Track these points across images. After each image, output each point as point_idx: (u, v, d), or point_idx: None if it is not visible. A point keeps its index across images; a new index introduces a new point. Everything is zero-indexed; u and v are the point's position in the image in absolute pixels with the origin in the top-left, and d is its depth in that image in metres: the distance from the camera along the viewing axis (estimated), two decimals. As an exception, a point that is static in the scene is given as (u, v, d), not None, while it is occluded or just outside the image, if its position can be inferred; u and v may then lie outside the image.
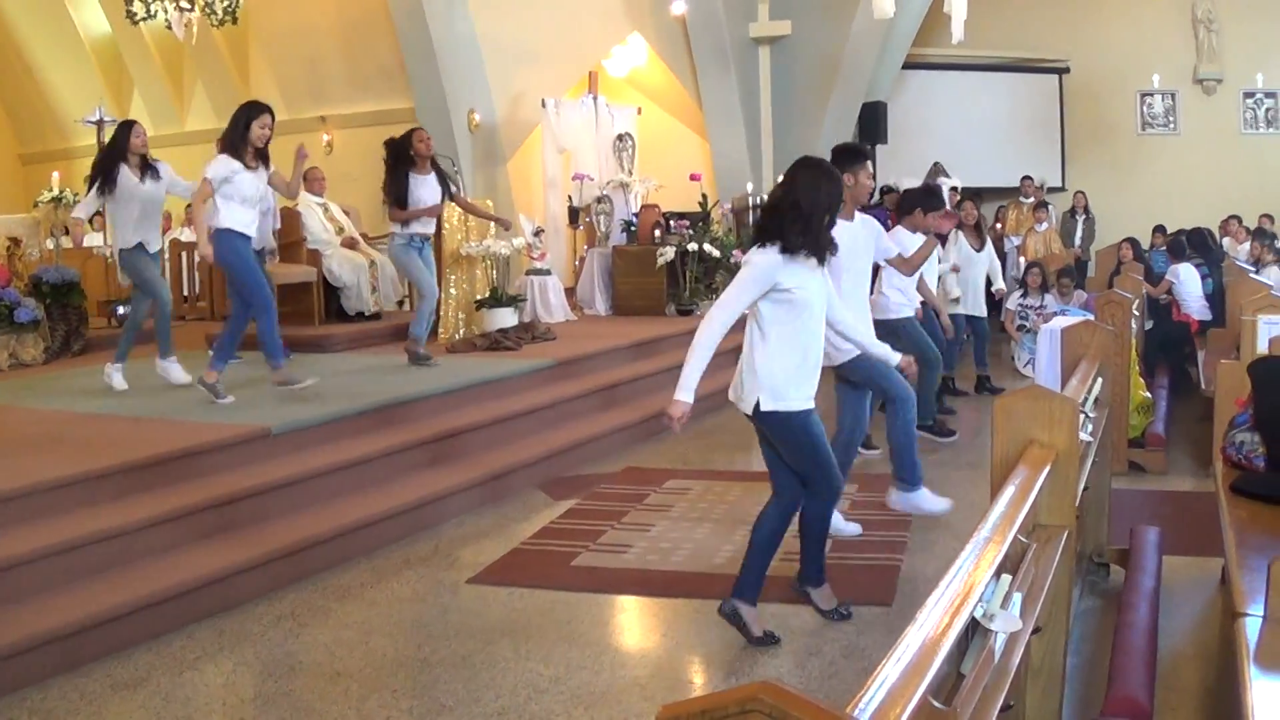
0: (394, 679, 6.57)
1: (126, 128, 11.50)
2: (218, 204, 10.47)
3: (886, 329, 10.67)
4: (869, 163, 9.31)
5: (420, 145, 12.85)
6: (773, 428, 6.98)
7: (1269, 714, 3.97)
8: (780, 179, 7.19)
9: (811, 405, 6.97)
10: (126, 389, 11.48)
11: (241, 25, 20.39)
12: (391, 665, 6.78)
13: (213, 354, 10.76)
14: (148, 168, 11.46)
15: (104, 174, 11.24)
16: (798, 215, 6.72)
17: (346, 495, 9.35)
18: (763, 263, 6.73)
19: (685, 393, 6.72)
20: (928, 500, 9.26)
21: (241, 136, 10.60)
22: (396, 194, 12.71)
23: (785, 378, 6.83)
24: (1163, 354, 15.29)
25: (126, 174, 11.25)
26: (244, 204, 10.60)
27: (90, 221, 20.67)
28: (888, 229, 12.74)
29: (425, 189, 12.83)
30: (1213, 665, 6.50)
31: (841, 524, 9.12)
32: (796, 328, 6.83)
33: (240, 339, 11.11)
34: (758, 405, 6.86)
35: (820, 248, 6.82)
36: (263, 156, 10.86)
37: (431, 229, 13.16)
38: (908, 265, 10.62)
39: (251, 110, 10.76)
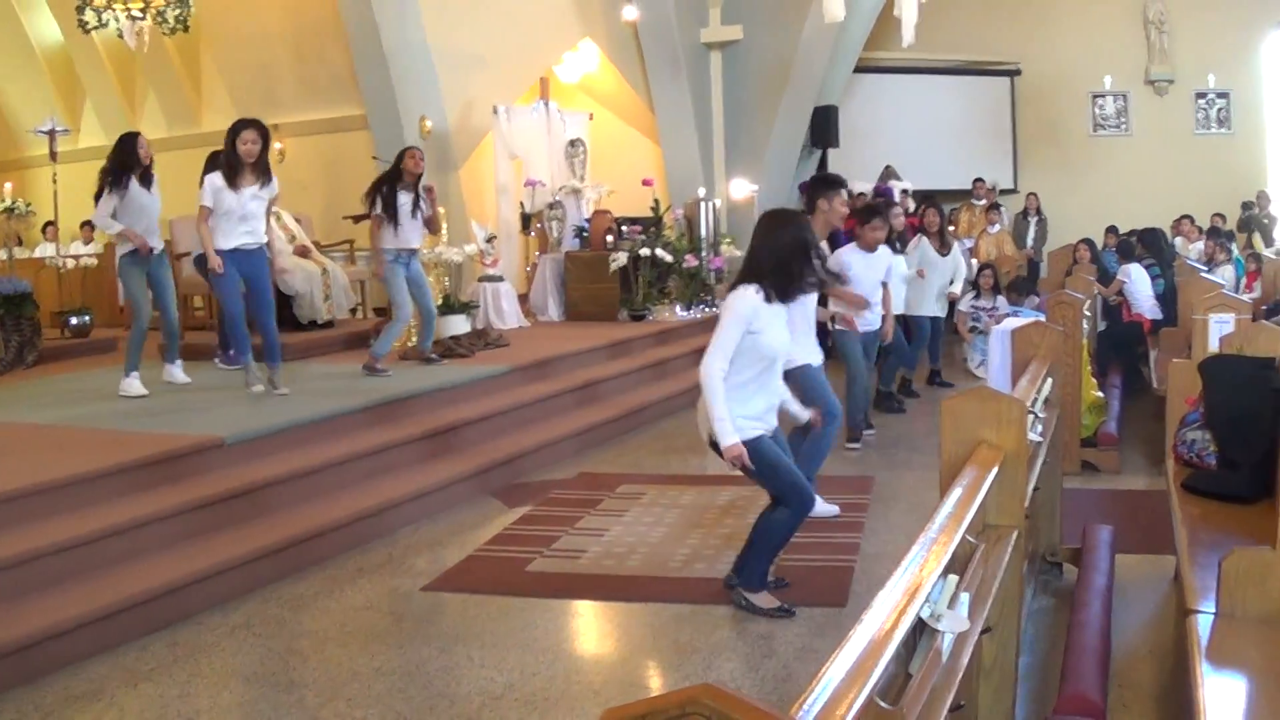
0: (349, 688, 6.55)
1: (132, 138, 11.61)
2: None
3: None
4: (843, 191, 9.64)
5: (410, 163, 12.94)
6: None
7: (1221, 710, 4.00)
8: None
9: (762, 432, 7.27)
10: (146, 393, 11.56)
11: (193, 34, 20.28)
12: (346, 674, 6.76)
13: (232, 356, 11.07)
14: (149, 178, 11.55)
15: (116, 178, 11.35)
16: (772, 264, 7.14)
17: (299, 504, 9.31)
18: (744, 304, 7.08)
19: (731, 435, 7.04)
20: (820, 505, 9.43)
21: (230, 154, 11.00)
22: (388, 210, 12.77)
23: (738, 409, 7.12)
24: (1115, 354, 15.34)
25: (134, 184, 11.38)
26: (228, 220, 10.78)
27: (43, 230, 20.68)
28: (839, 235, 12.90)
29: (405, 203, 12.87)
30: (1166, 662, 6.54)
31: (821, 505, 9.26)
32: (755, 364, 7.17)
33: (247, 338, 11.58)
34: (710, 438, 7.14)
35: (792, 291, 7.24)
36: (261, 169, 11.22)
37: (416, 244, 13.14)
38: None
39: (235, 127, 11.15)
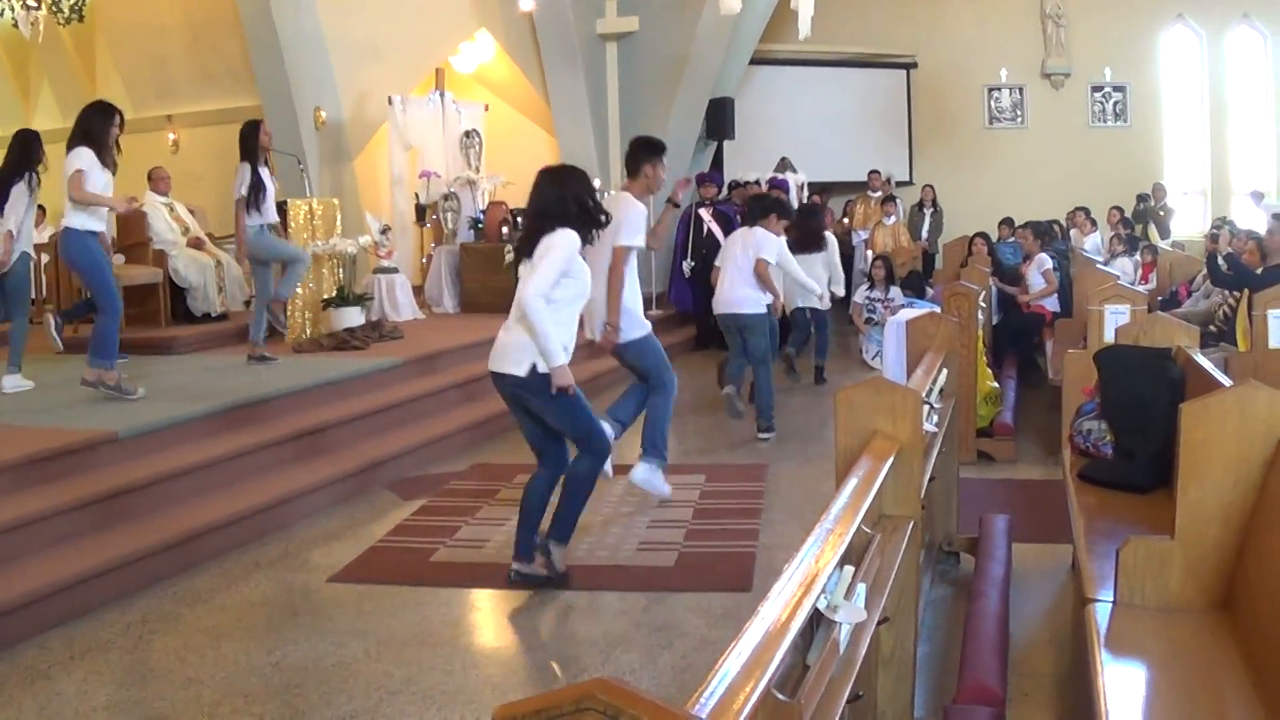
0: (246, 684, 6.50)
1: (36, 136, 11.48)
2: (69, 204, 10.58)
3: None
4: (663, 156, 9.75)
5: (265, 139, 12.77)
6: (539, 388, 7.45)
7: (1120, 697, 4.03)
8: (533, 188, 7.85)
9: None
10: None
11: (88, 23, 20.17)
12: (243, 670, 6.70)
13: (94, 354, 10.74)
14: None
15: (20, 178, 11.18)
16: (577, 209, 7.59)
17: (195, 498, 9.22)
18: (570, 242, 7.45)
19: (562, 357, 7.41)
20: (661, 481, 9.82)
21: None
22: (254, 188, 12.59)
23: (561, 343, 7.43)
24: (1011, 344, 15.44)
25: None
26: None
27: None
28: (735, 226, 12.98)
29: (268, 181, 12.74)
30: (1064, 651, 6.59)
31: (659, 484, 9.37)
32: (572, 302, 7.61)
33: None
34: (533, 369, 7.39)
35: (594, 234, 7.75)
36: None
37: (270, 218, 12.97)
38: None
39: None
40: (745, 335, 12.51)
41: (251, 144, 12.59)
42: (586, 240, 7.60)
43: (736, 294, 12.36)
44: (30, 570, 7.58)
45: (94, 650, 7.09)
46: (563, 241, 7.35)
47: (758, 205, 13.17)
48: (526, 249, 7.59)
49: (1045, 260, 16.17)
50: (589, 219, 7.55)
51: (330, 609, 7.76)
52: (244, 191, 12.49)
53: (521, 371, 7.41)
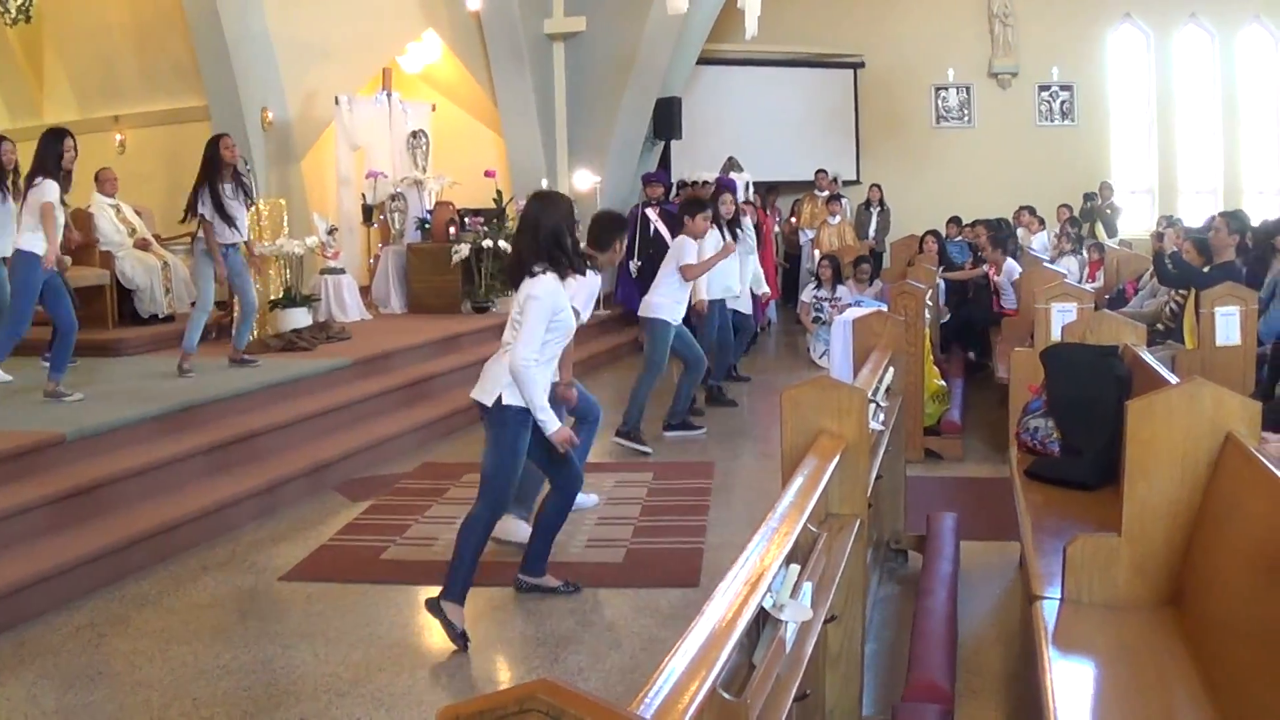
0: (194, 687, 6.48)
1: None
2: (32, 225, 10.68)
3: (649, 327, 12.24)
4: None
5: (227, 153, 12.48)
6: (500, 420, 7.33)
7: (1068, 694, 4.05)
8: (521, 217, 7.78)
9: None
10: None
11: (35, 24, 20.02)
12: (191, 673, 6.69)
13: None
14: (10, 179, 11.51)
15: None
16: (556, 241, 7.31)
17: (142, 501, 9.18)
18: (552, 291, 7.23)
19: (555, 421, 7.31)
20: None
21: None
22: (219, 209, 12.34)
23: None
24: (959, 341, 15.50)
25: None
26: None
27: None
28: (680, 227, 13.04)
29: (234, 200, 12.49)
30: (1013, 648, 6.62)
31: (580, 496, 9.41)
32: (556, 340, 7.39)
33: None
34: (498, 400, 7.27)
35: (575, 265, 7.48)
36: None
37: (241, 236, 12.68)
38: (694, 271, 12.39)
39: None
40: (643, 338, 12.70)
41: (214, 159, 12.43)
42: (573, 272, 7.48)
43: (649, 299, 12.42)
44: (-24, 574, 7.55)
45: (43, 654, 7.07)
46: (542, 294, 7.15)
47: (680, 213, 13.34)
48: (512, 280, 7.49)
49: (1015, 268, 16.19)
50: (565, 259, 7.33)
51: (278, 610, 7.77)
52: (203, 211, 12.25)
53: (488, 400, 7.35)
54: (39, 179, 10.68)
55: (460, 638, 7.13)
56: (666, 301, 12.20)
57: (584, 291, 9.16)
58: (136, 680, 6.64)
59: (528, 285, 7.23)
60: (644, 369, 12.42)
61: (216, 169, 12.36)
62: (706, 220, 12.63)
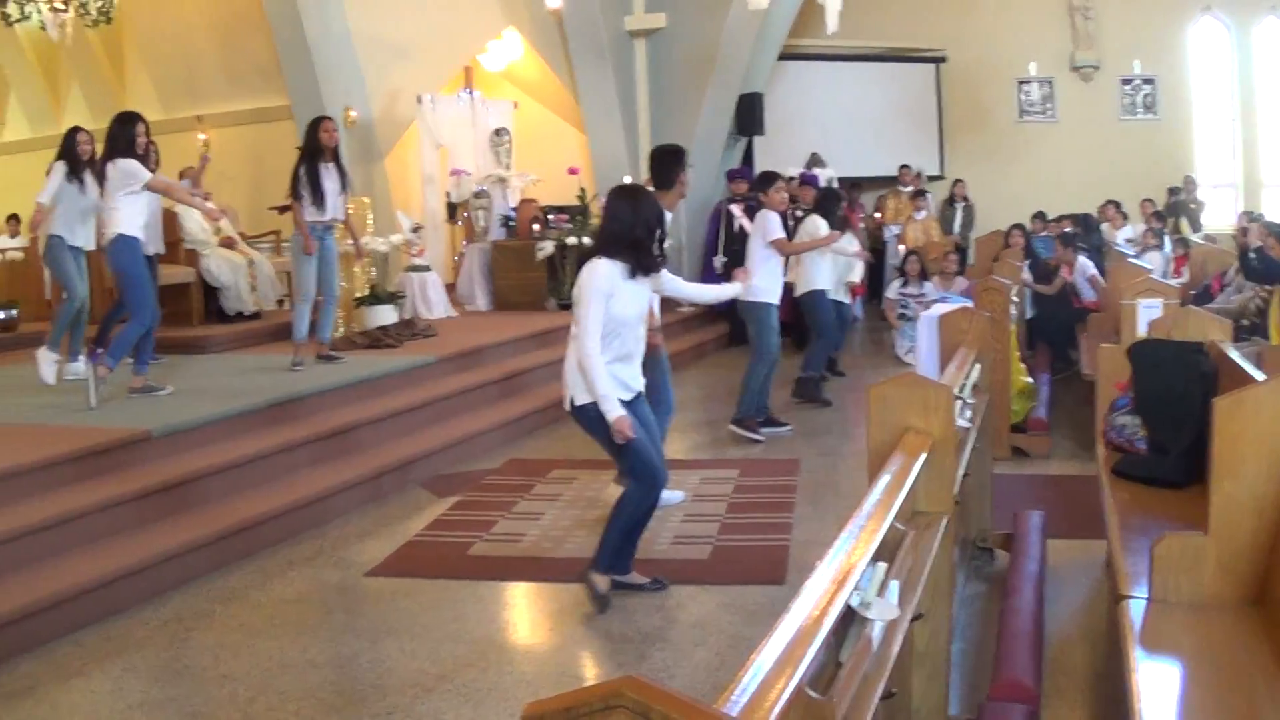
0: (280, 681, 6.52)
1: (73, 134, 11.70)
2: (125, 209, 10.74)
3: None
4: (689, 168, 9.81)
5: (325, 136, 12.60)
6: (584, 420, 7.43)
7: (1154, 695, 4.02)
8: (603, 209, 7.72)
9: (626, 398, 7.43)
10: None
11: (116, 25, 20.19)
12: (277, 667, 6.73)
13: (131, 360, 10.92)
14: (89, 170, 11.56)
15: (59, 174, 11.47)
16: (629, 239, 7.28)
17: (228, 497, 9.25)
18: (602, 275, 7.22)
19: (618, 409, 7.21)
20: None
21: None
22: (314, 189, 12.51)
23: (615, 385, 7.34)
24: (1045, 339, 15.40)
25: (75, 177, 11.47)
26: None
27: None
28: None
29: (329, 179, 12.63)
30: (1099, 647, 6.56)
31: (666, 492, 9.36)
32: (617, 331, 7.32)
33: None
34: (571, 402, 7.40)
35: (647, 265, 7.39)
36: (92, 166, 11.46)
37: (333, 215, 12.80)
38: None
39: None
40: (748, 325, 12.60)
41: (312, 140, 12.57)
42: (646, 272, 7.42)
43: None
44: (65, 568, 7.63)
45: (129, 648, 7.12)
46: (588, 285, 7.20)
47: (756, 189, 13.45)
48: (579, 265, 7.53)
49: (1087, 265, 16.10)
50: (638, 258, 7.30)
51: (365, 605, 7.80)
52: (299, 188, 12.44)
53: (566, 404, 7.48)
54: (114, 160, 10.76)
55: (597, 600, 7.43)
56: (765, 284, 12.04)
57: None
58: (222, 674, 6.69)
59: (582, 271, 7.32)
60: (753, 357, 12.35)
61: (316, 150, 12.51)
62: (780, 193, 12.51)
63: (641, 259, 7.29)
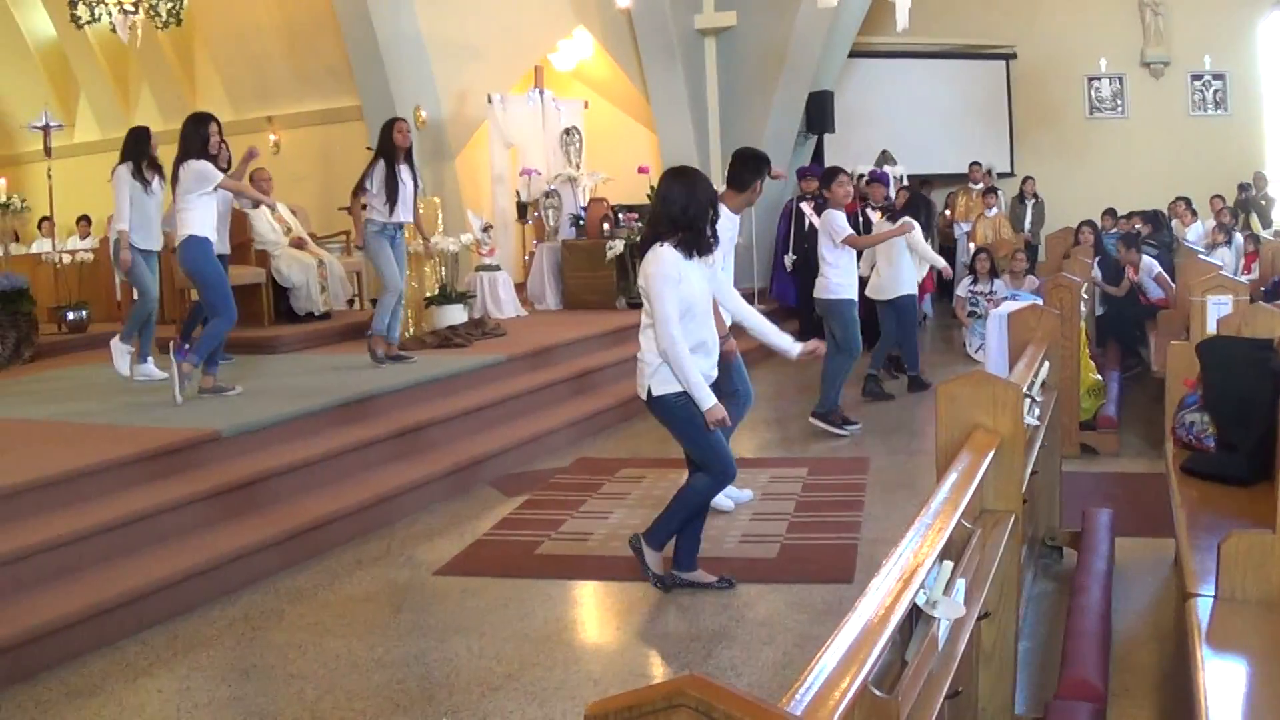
0: (347, 680, 6.55)
1: (135, 134, 11.83)
2: (196, 210, 10.88)
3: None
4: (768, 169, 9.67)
5: (400, 136, 12.67)
6: (662, 411, 7.46)
7: (1221, 694, 3.99)
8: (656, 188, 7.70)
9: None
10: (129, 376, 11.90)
11: (186, 27, 20.28)
12: (345, 666, 6.76)
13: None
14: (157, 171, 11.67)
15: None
16: (684, 220, 7.26)
17: (297, 496, 9.31)
18: (669, 261, 7.22)
19: (710, 397, 7.32)
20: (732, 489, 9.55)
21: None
22: (390, 187, 12.57)
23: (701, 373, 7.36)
24: (1115, 336, 15.32)
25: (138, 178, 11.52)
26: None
27: (39, 226, 20.65)
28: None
29: (404, 181, 12.69)
30: (1166, 646, 6.52)
31: (734, 490, 9.31)
32: (690, 313, 7.32)
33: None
34: (649, 391, 7.38)
35: (703, 246, 7.34)
36: (157, 167, 11.57)
37: (405, 216, 12.90)
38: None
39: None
40: (829, 323, 12.53)
41: (387, 142, 12.63)
42: (702, 254, 7.40)
43: (824, 281, 12.38)
44: (133, 567, 7.69)
45: (197, 647, 7.18)
46: (657, 273, 7.20)
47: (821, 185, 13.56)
48: (641, 254, 7.53)
49: (1153, 265, 16.01)
50: (695, 241, 7.29)
51: (433, 604, 7.81)
52: (369, 185, 12.55)
53: (642, 395, 7.50)
54: (187, 162, 10.85)
55: (653, 579, 7.63)
56: (843, 281, 12.19)
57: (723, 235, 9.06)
58: (290, 673, 6.72)
59: (646, 261, 7.31)
60: (836, 350, 12.29)
61: (392, 152, 12.57)
62: (843, 187, 12.48)
63: (698, 240, 7.29)
